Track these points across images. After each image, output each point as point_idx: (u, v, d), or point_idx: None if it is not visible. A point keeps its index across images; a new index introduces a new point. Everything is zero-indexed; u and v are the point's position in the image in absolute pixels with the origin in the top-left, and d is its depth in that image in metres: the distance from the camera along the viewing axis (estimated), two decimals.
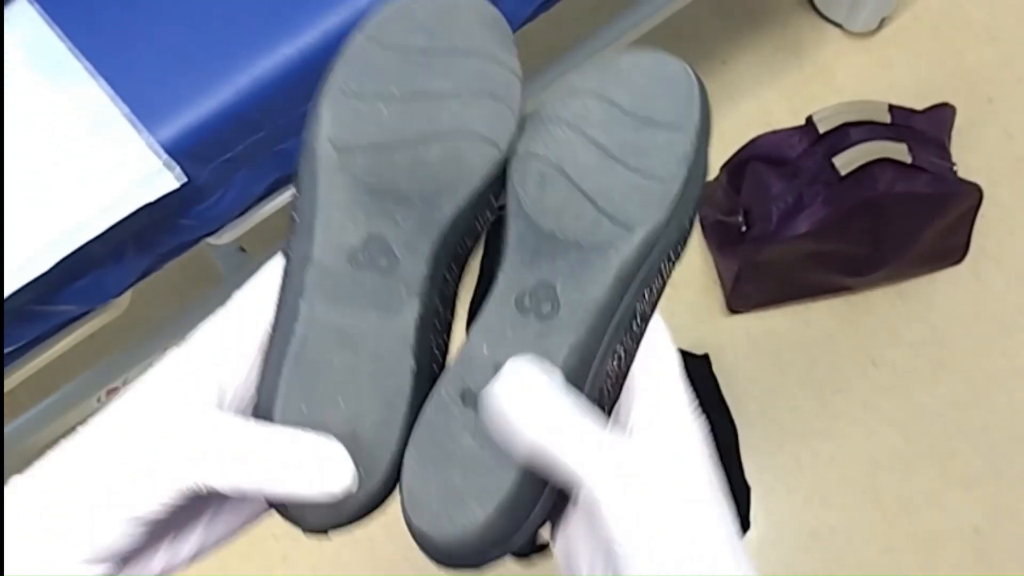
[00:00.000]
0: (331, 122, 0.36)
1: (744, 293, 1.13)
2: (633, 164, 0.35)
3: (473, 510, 0.32)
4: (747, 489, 1.05)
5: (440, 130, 0.36)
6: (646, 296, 0.35)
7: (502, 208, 0.37)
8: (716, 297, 1.16)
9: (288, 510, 0.33)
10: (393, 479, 0.34)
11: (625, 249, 0.34)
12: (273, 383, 0.33)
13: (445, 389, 0.34)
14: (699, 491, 0.31)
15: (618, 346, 0.35)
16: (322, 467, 0.31)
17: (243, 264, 0.97)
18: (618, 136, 0.36)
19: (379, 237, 0.35)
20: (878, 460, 1.10)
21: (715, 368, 1.11)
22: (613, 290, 0.34)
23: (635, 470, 0.31)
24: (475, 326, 0.35)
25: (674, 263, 0.36)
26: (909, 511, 1.09)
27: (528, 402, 0.31)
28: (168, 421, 0.31)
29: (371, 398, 0.34)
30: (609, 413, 0.36)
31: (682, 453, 0.32)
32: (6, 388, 0.76)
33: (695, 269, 1.17)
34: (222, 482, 0.30)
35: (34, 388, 0.80)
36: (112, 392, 0.91)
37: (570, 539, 0.34)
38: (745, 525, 1.04)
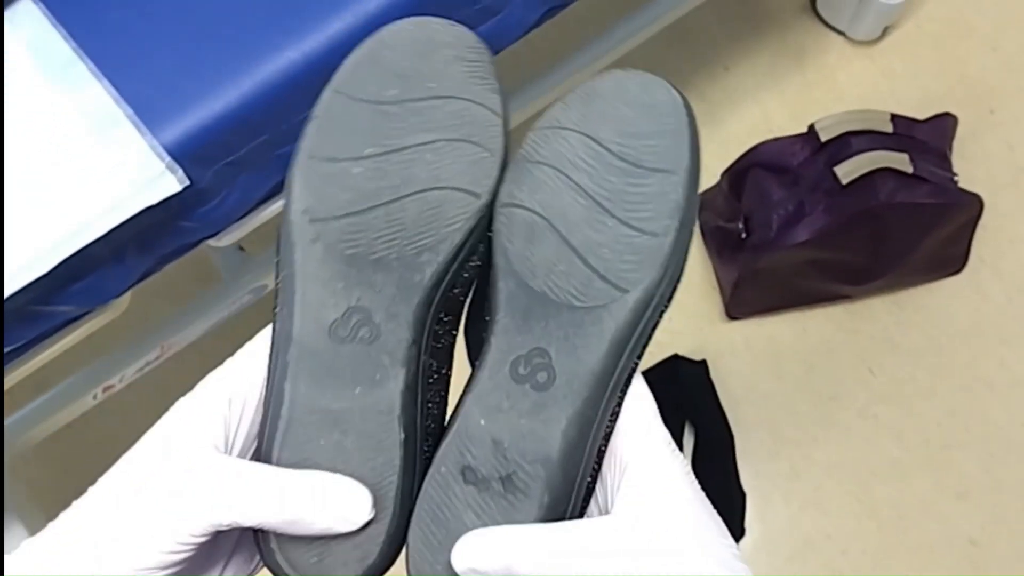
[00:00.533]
0: (302, 193, 0.35)
1: (743, 300, 1.13)
2: (623, 216, 0.34)
3: None
4: (743, 496, 1.06)
5: (415, 185, 0.35)
6: (640, 353, 0.35)
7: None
8: (715, 303, 1.16)
9: None
10: (389, 555, 0.34)
11: (619, 313, 0.33)
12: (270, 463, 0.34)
13: (445, 466, 0.34)
14: (695, 560, 0.31)
15: (616, 407, 0.34)
16: (343, 500, 0.32)
17: (242, 264, 0.97)
18: (606, 183, 0.34)
19: (359, 308, 0.34)
20: (874, 469, 1.10)
21: (712, 374, 1.11)
22: (608, 357, 0.33)
23: (626, 554, 0.31)
24: (471, 396, 0.34)
25: (667, 308, 0.35)
26: (904, 520, 1.09)
27: (492, 557, 0.31)
28: (184, 467, 0.32)
29: (360, 476, 0.33)
30: (599, 464, 0.35)
31: (672, 522, 0.32)
32: (5, 386, 0.76)
33: (694, 275, 1.17)
34: (248, 518, 0.31)
35: (30, 384, 0.80)
36: (108, 389, 0.90)
37: None
38: (740, 532, 1.05)
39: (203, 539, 0.31)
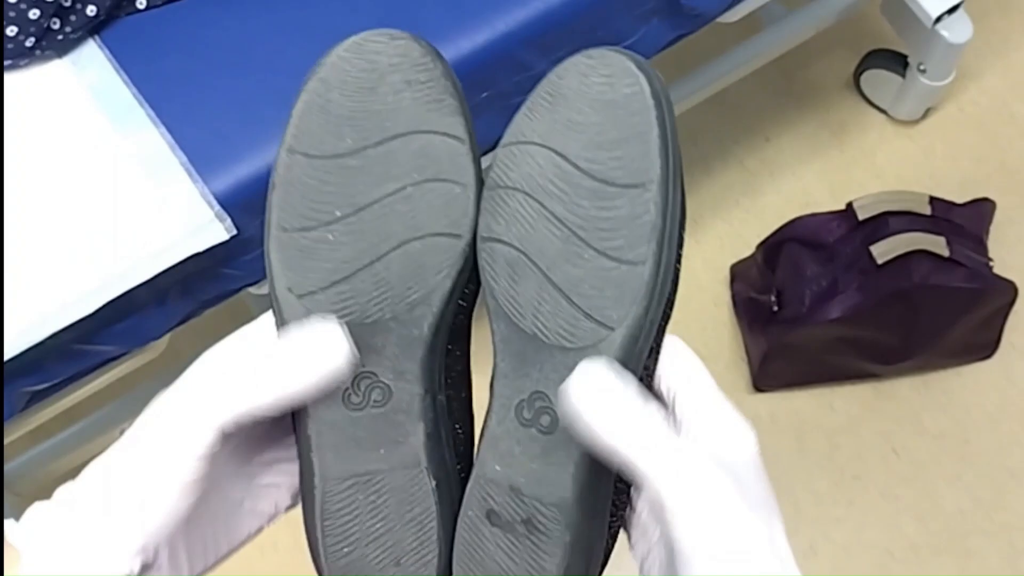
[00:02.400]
0: (282, 269, 0.34)
1: (771, 372, 1.14)
2: (599, 245, 0.33)
3: None
4: None
5: (393, 240, 0.34)
6: (646, 370, 0.35)
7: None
8: (742, 374, 1.16)
9: None
10: None
11: (609, 352, 0.33)
12: (313, 534, 0.35)
13: (472, 510, 0.35)
14: (756, 499, 0.32)
15: None
16: (321, 351, 0.33)
17: None
18: (578, 209, 0.33)
19: (367, 373, 0.34)
20: (893, 552, 1.10)
21: None
22: None
23: (698, 476, 0.31)
24: (485, 442, 0.35)
25: (667, 322, 0.35)
26: None
27: (599, 405, 0.32)
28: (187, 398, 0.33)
29: (402, 528, 0.35)
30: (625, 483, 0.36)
31: (740, 460, 0.33)
32: (38, 422, 0.77)
33: (723, 344, 1.17)
34: (248, 405, 0.32)
35: (58, 415, 0.80)
36: None
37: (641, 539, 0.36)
38: None
39: (221, 438, 0.32)
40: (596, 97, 0.33)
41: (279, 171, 0.34)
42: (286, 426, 0.36)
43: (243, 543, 0.36)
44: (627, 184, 0.33)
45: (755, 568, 0.31)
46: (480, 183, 0.35)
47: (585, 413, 0.31)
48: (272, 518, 0.37)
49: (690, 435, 0.34)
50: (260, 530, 0.37)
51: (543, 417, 0.34)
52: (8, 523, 0.33)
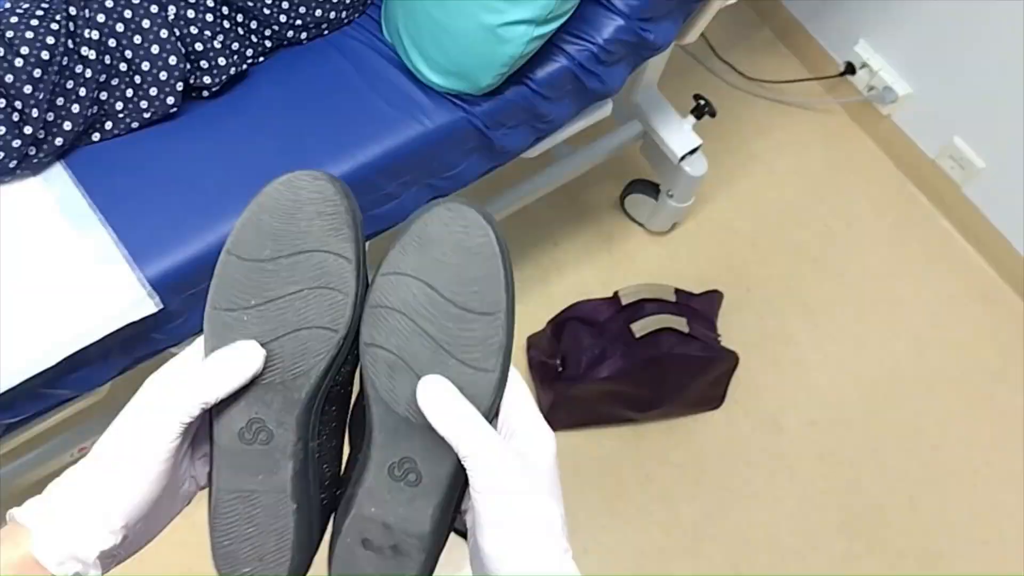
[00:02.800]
0: (209, 335, 0.40)
1: (556, 418, 1.26)
2: (461, 356, 0.39)
3: None
4: None
5: (289, 327, 0.40)
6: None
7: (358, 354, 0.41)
8: None
9: None
10: None
11: None
12: (210, 527, 0.42)
13: (349, 537, 0.41)
14: (548, 487, 0.38)
15: (465, 484, 0.40)
16: (239, 362, 0.39)
17: None
18: (444, 329, 0.39)
19: (257, 419, 0.40)
20: (646, 552, 1.25)
21: None
22: (458, 461, 0.39)
23: (498, 461, 0.37)
24: (362, 490, 0.40)
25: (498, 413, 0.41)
26: None
27: (438, 405, 0.38)
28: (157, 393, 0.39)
29: (266, 536, 0.41)
30: (457, 509, 0.42)
31: (542, 458, 0.39)
32: (9, 447, 0.84)
33: None
34: (192, 400, 0.38)
35: (24, 443, 0.89)
36: (83, 450, 0.98)
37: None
38: None
39: (190, 422, 0.38)
40: (456, 243, 0.39)
41: (218, 266, 0.41)
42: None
43: (173, 519, 0.42)
44: (482, 312, 0.39)
45: (533, 539, 0.36)
46: (359, 294, 0.40)
47: (427, 409, 0.38)
48: (192, 499, 0.42)
49: (508, 435, 0.39)
50: (182, 509, 0.42)
51: (410, 475, 0.39)
52: (15, 509, 0.38)
